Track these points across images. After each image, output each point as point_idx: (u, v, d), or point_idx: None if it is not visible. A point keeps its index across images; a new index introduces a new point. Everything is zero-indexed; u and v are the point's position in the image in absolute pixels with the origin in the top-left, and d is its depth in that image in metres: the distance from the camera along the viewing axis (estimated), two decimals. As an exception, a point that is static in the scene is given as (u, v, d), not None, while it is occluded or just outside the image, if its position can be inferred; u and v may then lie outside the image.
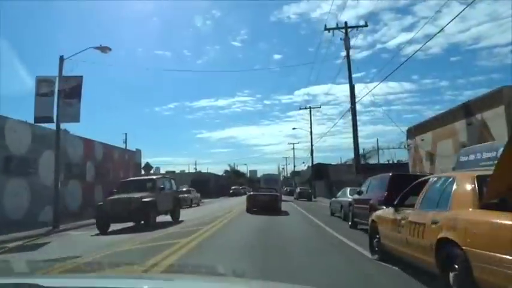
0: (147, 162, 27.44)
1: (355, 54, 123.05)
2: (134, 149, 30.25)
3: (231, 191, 61.67)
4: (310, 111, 40.37)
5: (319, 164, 48.39)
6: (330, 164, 47.38)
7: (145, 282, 1.91)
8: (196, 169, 77.99)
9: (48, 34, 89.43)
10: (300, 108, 41.29)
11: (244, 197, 25.92)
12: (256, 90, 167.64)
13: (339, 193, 17.98)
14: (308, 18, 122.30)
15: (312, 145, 40.19)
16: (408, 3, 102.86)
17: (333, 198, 18.75)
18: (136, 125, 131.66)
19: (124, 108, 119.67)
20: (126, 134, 51.68)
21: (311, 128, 39.85)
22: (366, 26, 22.06)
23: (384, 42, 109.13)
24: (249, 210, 19.60)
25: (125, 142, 55.20)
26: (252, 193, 21.43)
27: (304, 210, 22.05)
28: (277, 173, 53.37)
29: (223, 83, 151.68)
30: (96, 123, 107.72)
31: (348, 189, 16.43)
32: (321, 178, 45.26)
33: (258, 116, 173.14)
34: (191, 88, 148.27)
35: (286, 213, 19.45)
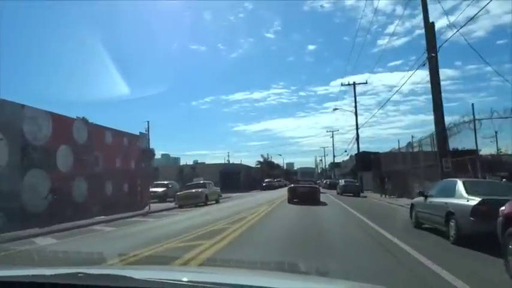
0: (149, 148, 21.44)
1: (392, 42, 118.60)
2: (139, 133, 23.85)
3: (263, 184, 55.54)
4: (355, 87, 33.11)
5: (365, 153, 40.68)
6: (377, 153, 39.57)
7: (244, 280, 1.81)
8: (229, 161, 72.03)
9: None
10: (342, 85, 34.00)
11: (278, 192, 28.42)
12: (291, 82, 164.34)
13: (434, 189, 10.60)
14: (342, 6, 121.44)
15: (357, 128, 33.58)
16: None
17: (418, 198, 11.41)
18: (175, 119, 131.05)
19: (162, 103, 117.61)
20: (148, 121, 46.96)
21: (356, 106, 32.95)
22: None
23: (423, 27, 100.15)
24: (290, 201, 21.80)
25: (147, 130, 50.42)
26: (292, 185, 23.90)
27: (361, 215, 14.95)
28: (313, 165, 61.65)
29: (258, 76, 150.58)
30: (130, 119, 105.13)
31: (460, 182, 8.98)
32: (367, 169, 37.53)
33: (293, 108, 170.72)
34: (227, 82, 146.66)
35: (342, 225, 12.84)
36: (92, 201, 18.80)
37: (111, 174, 21.00)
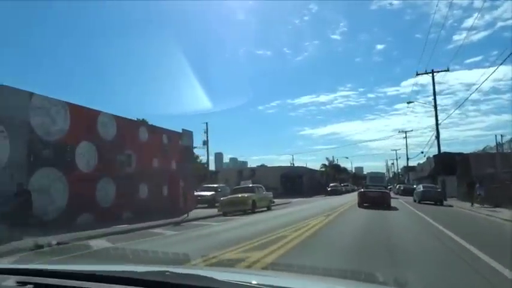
0: (190, 147, 18.91)
1: (470, 37, 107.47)
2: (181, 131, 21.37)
3: (328, 189, 51.09)
4: (433, 75, 27.91)
5: (447, 154, 34.67)
6: (462, 153, 33.50)
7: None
8: (293, 164, 68.44)
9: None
10: (417, 74, 28.91)
11: (345, 197, 28.54)
12: (358, 84, 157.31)
13: None
14: (413, 2, 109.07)
15: (437, 124, 27.99)
16: None
17: None
18: (242, 124, 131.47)
19: (230, 108, 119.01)
20: (206, 123, 45.26)
21: (435, 97, 27.75)
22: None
23: (506, 19, 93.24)
24: (360, 205, 22.06)
25: (206, 132, 48.80)
26: (362, 190, 24.40)
27: (453, 233, 10.33)
28: (384, 170, 56.85)
29: (324, 79, 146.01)
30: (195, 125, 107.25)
31: None
32: (450, 172, 31.66)
33: (361, 111, 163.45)
34: (292, 85, 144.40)
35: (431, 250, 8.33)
36: (120, 206, 16.40)
37: (147, 175, 18.55)
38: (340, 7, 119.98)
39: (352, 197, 38.01)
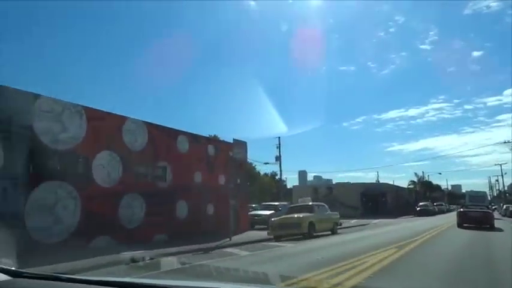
0: (244, 160, 16.48)
1: None
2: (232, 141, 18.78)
3: (418, 209, 44.65)
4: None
5: None
6: None
7: None
8: (378, 181, 62.60)
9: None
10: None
11: (437, 219, 27.03)
12: (453, 95, 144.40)
13: None
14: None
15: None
16: None
17: None
18: (326, 141, 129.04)
19: (313, 128, 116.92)
20: (279, 137, 42.87)
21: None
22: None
23: None
24: (460, 225, 21.37)
25: (278, 147, 46.38)
26: (462, 210, 23.04)
27: None
28: (486, 187, 52.46)
29: (413, 91, 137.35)
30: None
31: None
32: None
33: (457, 124, 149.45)
34: (378, 100, 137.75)
35: None
36: (151, 227, 14.01)
37: (186, 191, 16.08)
38: (429, 15, 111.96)
39: (447, 219, 33.22)
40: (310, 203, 17.69)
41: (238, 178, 19.45)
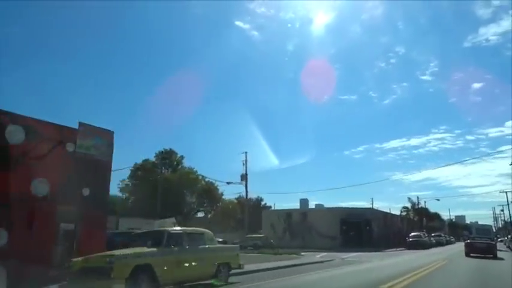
0: (104, 159, 8.54)
1: None
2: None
3: (408, 240, 36.63)
4: None
5: None
6: None
7: None
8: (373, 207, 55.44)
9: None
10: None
11: (433, 253, 26.47)
12: (454, 126, 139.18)
13: None
14: None
15: None
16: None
17: None
18: (326, 169, 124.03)
19: (311, 154, 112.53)
20: (246, 152, 35.39)
21: None
22: None
23: None
24: (467, 254, 24.31)
25: (245, 164, 39.45)
26: (469, 241, 25.89)
27: None
28: (491, 218, 56.96)
29: (415, 121, 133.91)
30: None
31: None
32: None
33: (460, 154, 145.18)
34: (380, 129, 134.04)
35: None
36: None
37: None
38: (429, 47, 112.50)
39: (441, 254, 27.84)
40: (165, 228, 9.57)
41: (86, 186, 11.97)
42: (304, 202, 56.92)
